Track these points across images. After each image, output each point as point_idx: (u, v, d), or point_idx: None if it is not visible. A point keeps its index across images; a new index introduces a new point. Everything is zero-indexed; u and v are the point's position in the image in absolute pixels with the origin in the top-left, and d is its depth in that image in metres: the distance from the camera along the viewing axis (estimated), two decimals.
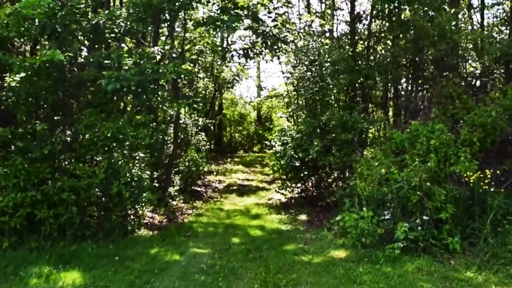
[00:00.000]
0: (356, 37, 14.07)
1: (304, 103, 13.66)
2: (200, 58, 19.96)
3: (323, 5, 17.05)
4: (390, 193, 9.60)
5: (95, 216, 10.08)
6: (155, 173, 14.54)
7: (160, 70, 10.47)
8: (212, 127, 28.09)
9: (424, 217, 8.83)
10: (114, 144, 10.71)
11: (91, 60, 10.54)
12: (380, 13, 13.61)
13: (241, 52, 12.08)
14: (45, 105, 10.69)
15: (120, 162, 10.63)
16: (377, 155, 11.14)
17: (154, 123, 14.69)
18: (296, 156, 13.19)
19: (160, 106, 11.41)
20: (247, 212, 13.65)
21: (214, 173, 19.76)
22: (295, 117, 15.54)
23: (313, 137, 12.39)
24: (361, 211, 9.59)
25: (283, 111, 21.87)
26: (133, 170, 11.59)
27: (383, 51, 13.19)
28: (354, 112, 12.13)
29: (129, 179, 10.75)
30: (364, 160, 11.43)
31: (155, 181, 14.26)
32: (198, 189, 16.74)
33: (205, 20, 11.35)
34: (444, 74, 11.56)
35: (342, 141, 12.04)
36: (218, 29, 10.65)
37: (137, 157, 12.19)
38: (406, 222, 8.89)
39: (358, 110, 12.41)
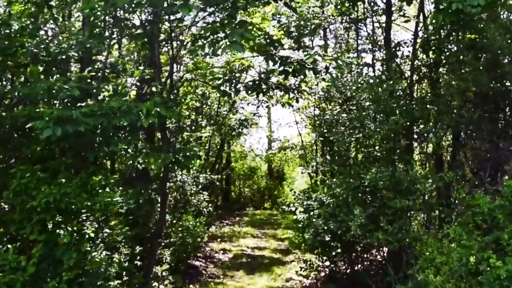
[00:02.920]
0: (397, 69, 10.08)
1: (336, 155, 9.57)
2: (202, 101, 16.06)
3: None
4: None
5: None
6: (137, 248, 10.46)
7: (133, 111, 6.57)
8: (218, 182, 24.16)
9: None
10: (58, 218, 6.74)
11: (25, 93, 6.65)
12: (432, 38, 9.71)
13: (250, 84, 8.09)
14: None
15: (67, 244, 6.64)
16: (455, 231, 7.00)
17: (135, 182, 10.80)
18: (326, 228, 9.06)
19: (131, 162, 7.44)
20: None
21: (218, 240, 15.51)
22: (319, 174, 11.49)
23: (353, 204, 8.29)
24: None
25: (299, 163, 17.71)
26: (94, 253, 7.63)
27: (441, 85, 9.15)
28: (411, 167, 8.04)
29: (80, 271, 6.73)
30: (432, 239, 7.30)
31: (137, 260, 10.19)
32: (196, 263, 12.53)
33: (200, 34, 7.47)
34: None
35: (395, 209, 7.93)
36: (218, 48, 6.72)
37: (103, 232, 8.12)
38: None
39: (415, 165, 8.32)
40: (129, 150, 7.33)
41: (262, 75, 8.10)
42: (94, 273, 7.38)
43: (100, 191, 7.04)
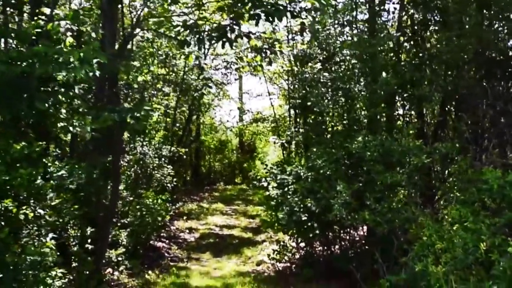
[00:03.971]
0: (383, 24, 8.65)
1: (315, 123, 8.18)
2: (168, 66, 14.36)
3: None
4: None
5: None
6: (88, 229, 8.99)
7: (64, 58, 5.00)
8: (187, 156, 22.62)
9: None
10: None
11: None
12: None
13: (214, 34, 6.56)
14: None
15: None
16: (459, 212, 5.76)
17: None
18: (302, 206, 7.73)
19: (61, 124, 5.87)
20: None
21: (185, 218, 14.09)
22: (293, 145, 10.12)
23: (335, 178, 6.96)
24: None
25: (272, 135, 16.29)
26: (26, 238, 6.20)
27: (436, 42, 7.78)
28: (403, 137, 6.75)
29: None
30: (430, 221, 6.05)
31: (87, 243, 8.73)
32: (159, 244, 11.11)
33: None
34: None
35: (384, 186, 6.64)
36: None
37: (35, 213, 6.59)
38: None
39: (408, 133, 7.00)
40: (62, 110, 5.80)
41: (228, 21, 6.60)
42: (24, 264, 5.93)
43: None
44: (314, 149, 7.43)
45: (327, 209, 7.10)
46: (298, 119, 12.18)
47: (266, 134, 23.51)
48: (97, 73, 5.29)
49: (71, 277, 8.27)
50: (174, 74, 16.41)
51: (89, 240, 8.92)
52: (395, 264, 6.59)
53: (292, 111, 14.74)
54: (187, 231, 12.82)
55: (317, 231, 7.97)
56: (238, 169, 24.70)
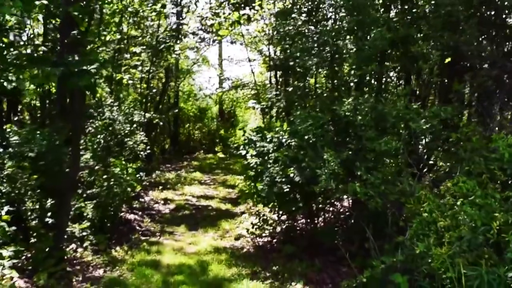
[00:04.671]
0: None
1: (299, 83, 7.23)
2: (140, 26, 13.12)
3: None
4: None
5: None
6: (49, 202, 8.04)
7: None
8: (166, 124, 21.57)
9: None
10: None
11: None
12: None
13: None
14: None
15: None
16: (466, 185, 4.95)
17: None
18: (285, 177, 6.85)
19: None
20: (200, 272, 7.27)
21: (160, 188, 13.17)
22: (274, 111, 9.18)
23: (321, 146, 6.08)
24: None
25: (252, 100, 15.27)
26: None
27: None
28: (397, 98, 5.87)
29: None
30: (429, 194, 5.25)
31: (48, 217, 7.80)
32: (130, 217, 10.20)
33: None
34: None
35: (378, 154, 5.78)
36: None
37: None
38: None
39: (403, 96, 6.09)
40: None
41: None
42: None
43: None
44: (298, 113, 6.50)
45: (312, 180, 6.23)
46: (279, 83, 11.23)
47: (246, 101, 22.50)
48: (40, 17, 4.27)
49: (30, 255, 7.39)
50: (148, 36, 15.21)
51: (49, 214, 8.02)
52: (387, 241, 5.80)
53: (273, 75, 13.76)
54: (162, 202, 11.92)
55: (300, 204, 7.14)
56: (218, 138, 23.78)
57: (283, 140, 6.75)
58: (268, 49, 14.20)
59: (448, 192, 5.11)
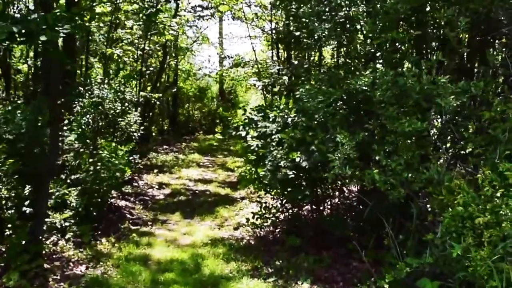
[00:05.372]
0: None
1: (306, 54, 6.26)
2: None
3: None
4: None
5: None
6: (27, 189, 7.17)
7: None
8: (165, 104, 20.63)
9: None
10: None
11: None
12: None
13: None
14: None
15: None
16: (506, 170, 4.06)
17: None
18: (290, 161, 5.93)
19: None
20: (194, 268, 6.40)
21: (156, 171, 12.28)
22: (280, 87, 8.18)
23: (333, 126, 5.15)
24: None
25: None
26: None
27: None
28: (421, 71, 4.91)
29: None
30: (463, 184, 4.35)
31: (25, 206, 6.94)
32: (122, 203, 9.33)
33: None
34: None
35: (399, 136, 4.85)
36: None
37: None
38: None
39: (428, 68, 5.13)
40: None
41: None
42: None
43: None
44: (306, 87, 5.53)
45: (321, 165, 5.33)
46: (282, 59, 10.22)
47: (247, 79, 21.47)
48: None
49: (4, 249, 6.54)
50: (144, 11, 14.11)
51: (27, 202, 7.15)
52: (410, 238, 4.91)
53: (275, 53, 12.73)
54: (157, 186, 11.03)
55: (307, 192, 6.23)
56: (218, 118, 22.80)
57: (289, 120, 5.82)
58: (271, 23, 13.21)
59: (486, 181, 4.21)
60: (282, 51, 16.80)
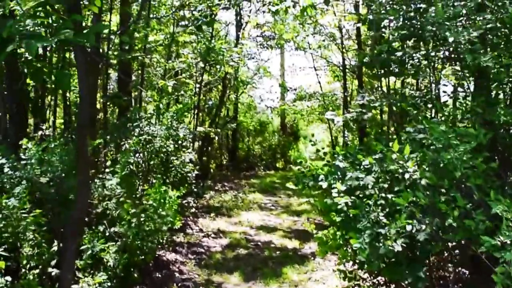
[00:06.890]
0: None
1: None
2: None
3: None
4: None
5: None
6: (55, 244, 5.68)
7: None
8: (224, 139, 19.21)
9: None
10: None
11: None
12: None
13: None
14: None
15: None
16: None
17: None
18: (398, 228, 3.97)
19: None
20: None
21: (213, 214, 10.59)
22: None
23: (476, 185, 3.19)
24: None
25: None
26: None
27: None
28: None
29: None
30: None
31: (50, 267, 5.44)
32: (171, 257, 7.64)
33: None
34: None
35: None
36: None
37: None
38: None
39: None
40: None
41: None
42: None
43: None
44: (442, 128, 3.60)
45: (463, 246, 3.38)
46: (350, 89, 8.32)
47: (311, 113, 19.67)
48: None
49: None
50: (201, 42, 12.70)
51: (53, 262, 5.64)
52: None
53: (349, 83, 10.87)
54: (213, 234, 9.27)
55: (421, 274, 4.24)
56: (279, 153, 21.04)
57: (406, 176, 3.89)
58: (342, 52, 11.42)
59: None
60: (349, 82, 15.01)
